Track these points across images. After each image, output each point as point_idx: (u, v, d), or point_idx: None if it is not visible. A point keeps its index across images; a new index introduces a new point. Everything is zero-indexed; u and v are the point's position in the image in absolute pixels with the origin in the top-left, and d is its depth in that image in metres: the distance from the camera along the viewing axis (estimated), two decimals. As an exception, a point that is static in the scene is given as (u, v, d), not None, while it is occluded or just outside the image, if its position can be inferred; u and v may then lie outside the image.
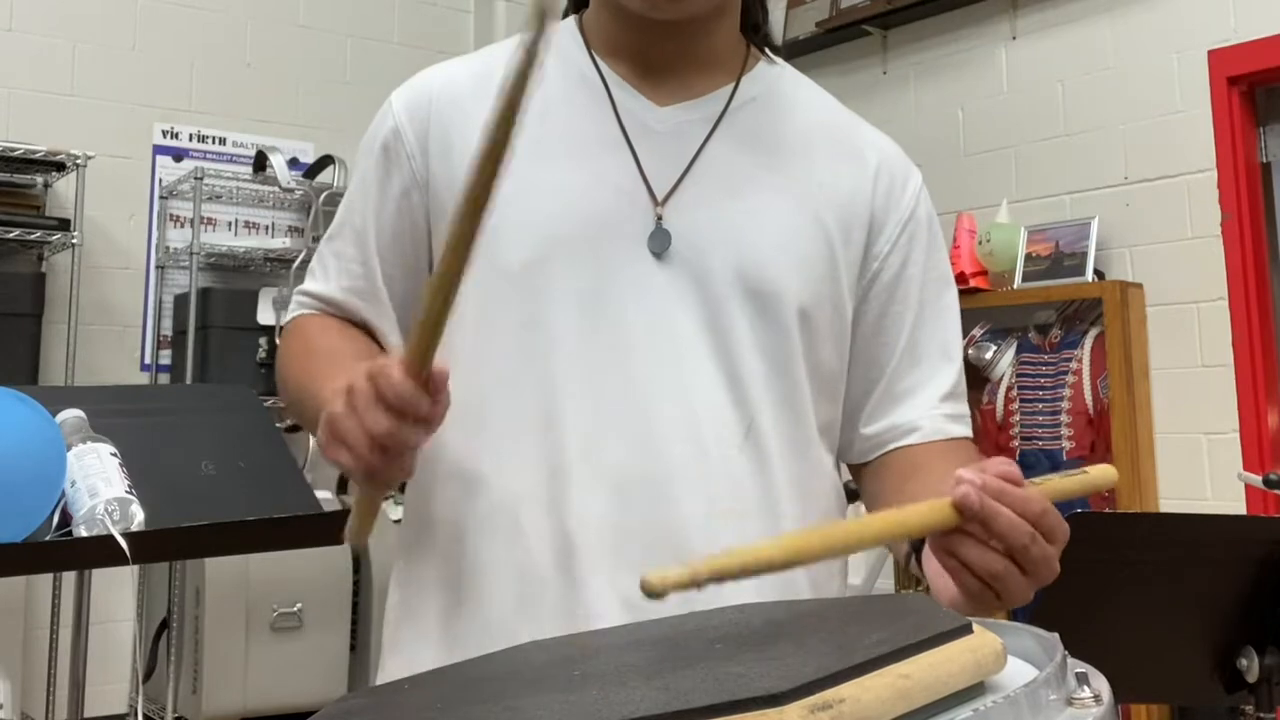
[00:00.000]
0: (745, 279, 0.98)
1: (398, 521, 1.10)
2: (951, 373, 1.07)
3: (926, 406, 1.04)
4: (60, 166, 3.53)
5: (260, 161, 3.91)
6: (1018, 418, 3.44)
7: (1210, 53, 3.24)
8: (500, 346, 0.98)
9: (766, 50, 1.12)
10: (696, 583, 0.63)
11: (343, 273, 1.08)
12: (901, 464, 1.04)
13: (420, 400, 0.78)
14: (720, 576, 0.64)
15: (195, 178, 3.71)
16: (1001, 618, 0.68)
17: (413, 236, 1.05)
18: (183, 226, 3.92)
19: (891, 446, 1.05)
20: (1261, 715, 1.56)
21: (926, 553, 0.82)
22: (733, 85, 1.06)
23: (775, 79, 1.10)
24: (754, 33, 1.11)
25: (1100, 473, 0.80)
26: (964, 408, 1.07)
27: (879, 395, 1.06)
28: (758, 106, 1.06)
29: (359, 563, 3.62)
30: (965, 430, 1.06)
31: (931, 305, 1.07)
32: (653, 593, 0.62)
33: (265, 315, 3.70)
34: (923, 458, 1.03)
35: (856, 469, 1.09)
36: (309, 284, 1.11)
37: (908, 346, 1.06)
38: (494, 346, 0.98)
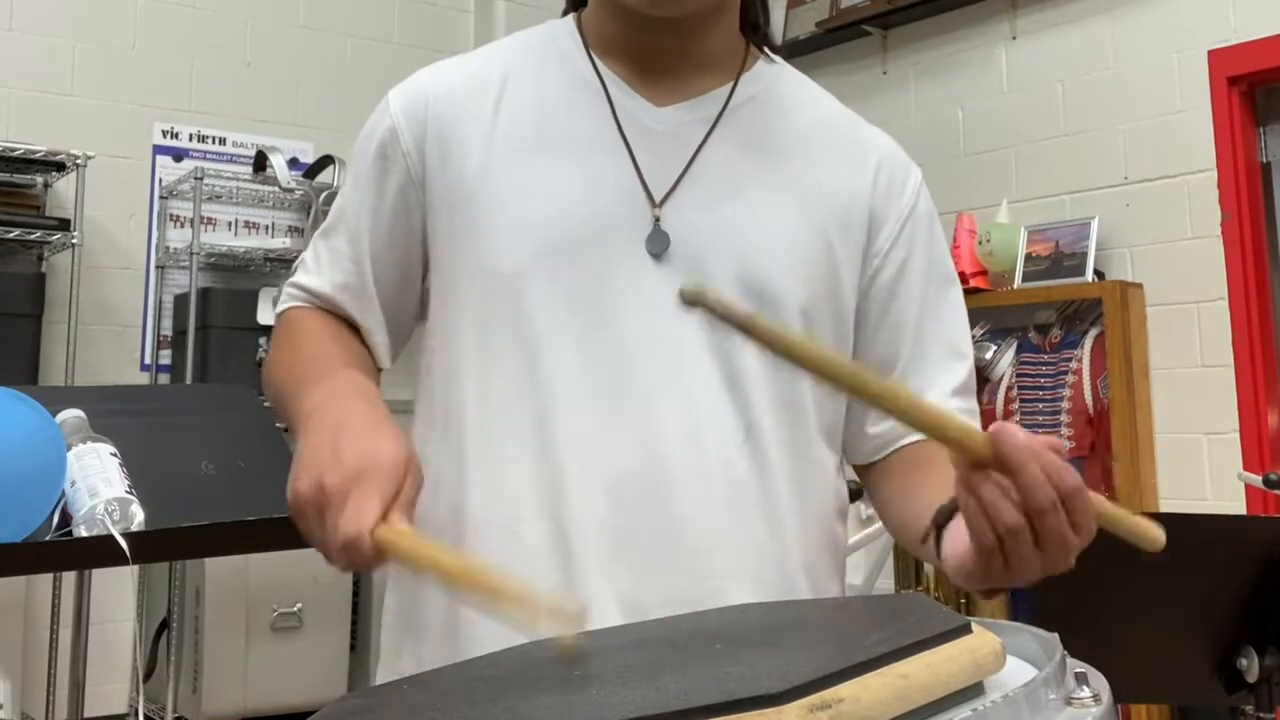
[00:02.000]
0: (745, 280, 0.98)
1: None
2: (961, 369, 1.06)
3: (938, 403, 1.04)
4: (60, 166, 3.53)
5: (260, 161, 3.91)
6: (1018, 418, 3.44)
7: (1210, 53, 3.24)
8: (498, 348, 0.98)
9: (765, 49, 1.12)
10: (726, 312, 0.63)
11: (335, 268, 1.07)
12: (910, 462, 1.03)
13: (381, 565, 0.78)
14: (751, 328, 0.64)
15: (195, 178, 3.71)
16: (1001, 616, 0.68)
17: (408, 235, 1.05)
18: (183, 226, 3.92)
19: (900, 444, 1.05)
20: (1261, 715, 1.56)
21: (949, 530, 0.82)
22: (731, 85, 1.06)
23: (774, 78, 1.09)
24: (753, 32, 1.11)
25: (1150, 530, 0.77)
26: (973, 403, 1.07)
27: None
28: (756, 106, 1.06)
29: (359, 563, 3.61)
30: (976, 426, 1.06)
31: (935, 302, 1.07)
32: (689, 300, 0.62)
33: (265, 315, 3.70)
34: (931, 455, 1.02)
35: (864, 469, 1.09)
36: (300, 276, 1.10)
37: (913, 344, 1.05)
38: (492, 348, 0.98)
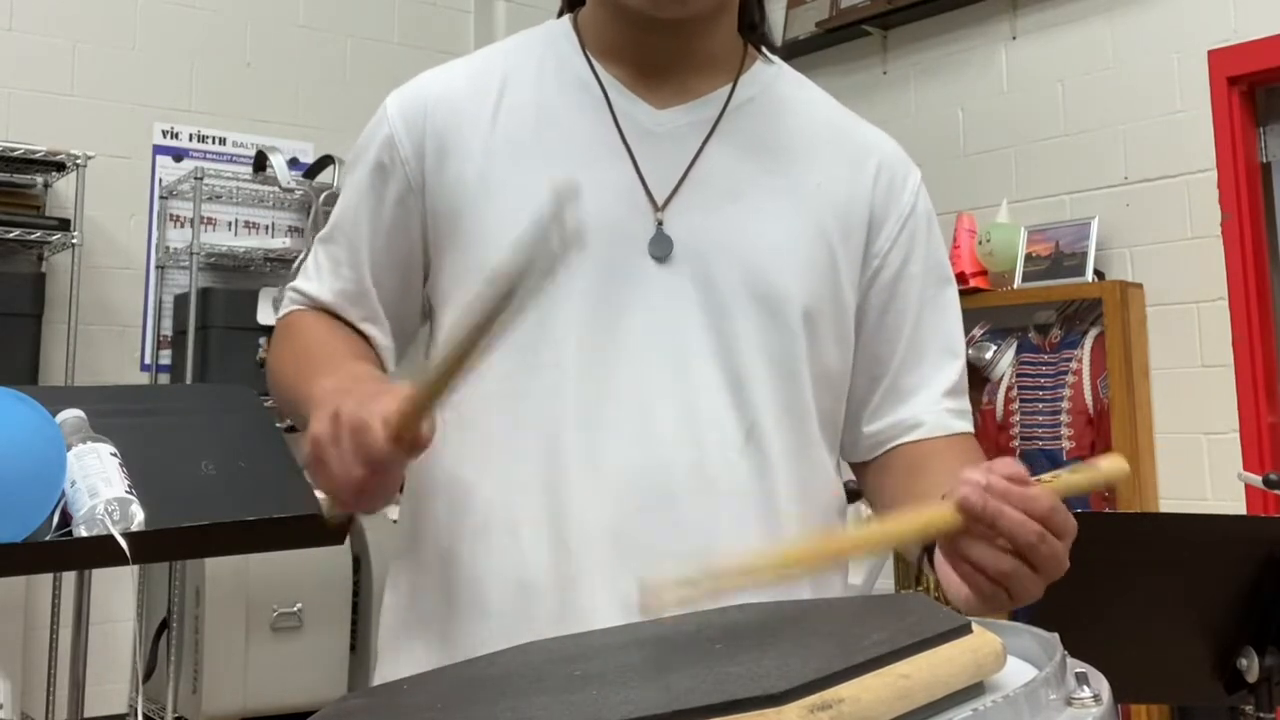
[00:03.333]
0: (750, 283, 0.98)
1: (396, 522, 1.10)
2: (954, 369, 1.07)
3: (930, 402, 1.04)
4: (60, 166, 3.53)
5: (260, 161, 3.91)
6: (1018, 418, 3.44)
7: (1210, 53, 3.24)
8: (501, 352, 0.98)
9: (764, 50, 1.12)
10: (694, 598, 0.63)
11: (334, 275, 1.07)
12: (905, 460, 1.04)
13: (398, 462, 0.80)
14: (718, 589, 0.65)
15: (195, 178, 3.71)
16: (1002, 617, 0.68)
17: (407, 241, 1.05)
18: (183, 226, 3.92)
19: (895, 443, 1.05)
20: (1261, 715, 1.56)
21: (939, 556, 0.82)
22: (730, 86, 1.06)
23: (773, 79, 1.09)
24: (751, 32, 1.11)
25: (1110, 465, 0.80)
26: (966, 403, 1.07)
27: (882, 393, 1.06)
28: (755, 107, 1.06)
29: (359, 563, 3.62)
30: (968, 425, 1.06)
31: (933, 302, 1.07)
32: (650, 610, 0.62)
33: (265, 315, 3.70)
34: (927, 454, 1.03)
35: (860, 467, 1.09)
36: (301, 282, 1.11)
37: (910, 343, 1.06)
38: (494, 352, 0.98)
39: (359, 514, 0.85)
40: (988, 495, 0.74)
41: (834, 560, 0.73)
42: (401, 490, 1.04)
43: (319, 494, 0.86)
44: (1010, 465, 0.76)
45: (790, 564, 0.70)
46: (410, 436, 0.79)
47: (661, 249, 0.98)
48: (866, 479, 1.09)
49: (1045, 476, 0.78)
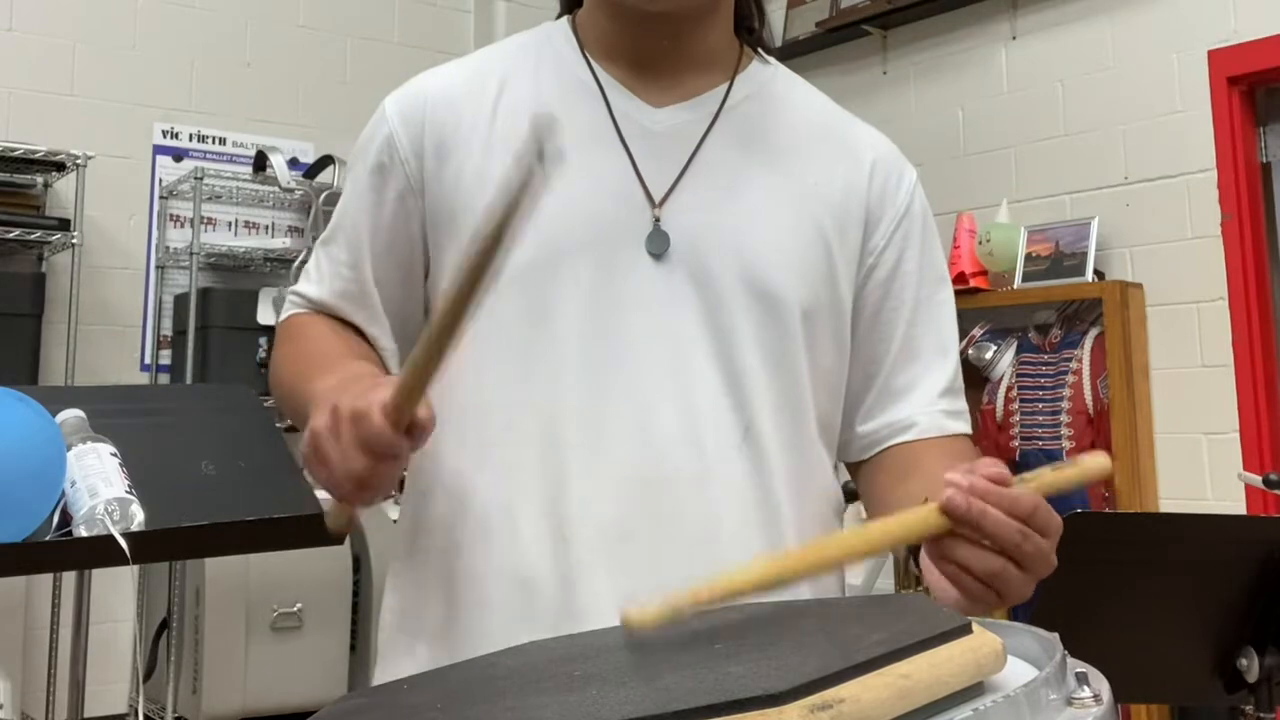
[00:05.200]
0: (748, 280, 0.98)
1: (396, 521, 1.10)
2: (948, 369, 1.07)
3: (924, 403, 1.04)
4: (60, 166, 3.53)
5: (260, 161, 3.90)
6: (1018, 418, 3.44)
7: (1210, 53, 3.24)
8: (499, 351, 0.98)
9: (760, 51, 1.12)
10: (679, 618, 0.64)
11: (335, 277, 1.08)
12: (899, 461, 1.04)
13: (398, 448, 0.79)
14: (702, 607, 0.65)
15: (195, 178, 3.71)
16: (1001, 617, 0.68)
17: (408, 242, 1.05)
18: (183, 226, 3.92)
19: (889, 443, 1.05)
20: (1261, 715, 1.56)
21: (924, 557, 0.82)
22: (727, 85, 1.06)
23: (769, 78, 1.10)
24: (748, 34, 1.11)
25: (1092, 462, 0.80)
26: (961, 404, 1.07)
27: (876, 392, 1.06)
28: (752, 106, 1.06)
29: (359, 563, 3.62)
30: (963, 426, 1.06)
31: (927, 301, 1.07)
32: (633, 629, 0.63)
33: (265, 315, 3.70)
34: (920, 454, 1.03)
35: (854, 466, 1.09)
36: (302, 285, 1.11)
37: (904, 343, 1.06)
38: (493, 351, 0.98)
39: (359, 507, 0.84)
40: (971, 497, 0.74)
41: (821, 571, 0.73)
42: (401, 490, 1.04)
43: (320, 495, 0.86)
44: (992, 466, 0.76)
45: (775, 580, 0.70)
46: (410, 420, 0.79)
47: (658, 246, 0.98)
48: (861, 479, 1.09)
49: (1027, 475, 0.78)
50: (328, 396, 0.84)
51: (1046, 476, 0.78)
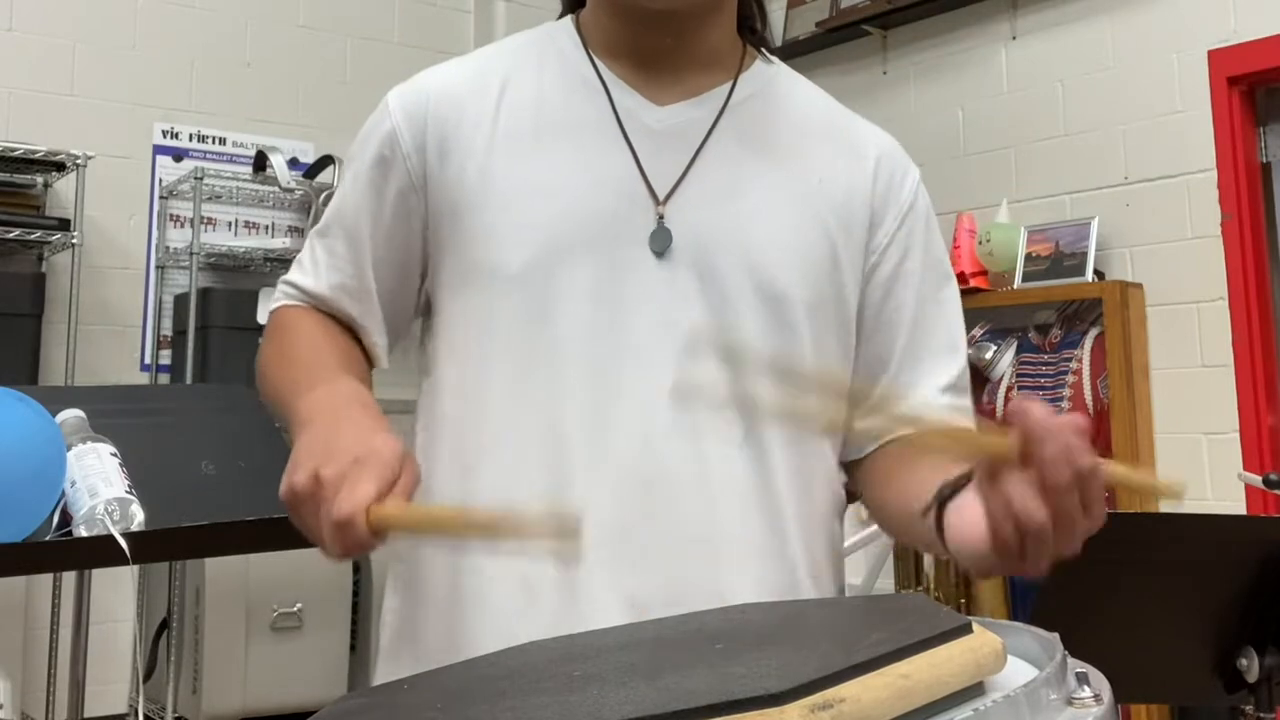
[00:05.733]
0: (752, 278, 0.98)
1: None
2: (954, 365, 1.06)
3: (928, 399, 1.04)
4: (60, 166, 3.53)
5: (260, 161, 3.90)
6: (1018, 418, 3.43)
7: (1210, 53, 3.24)
8: (502, 349, 0.98)
9: (763, 50, 1.12)
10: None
11: (333, 270, 1.07)
12: (898, 456, 1.03)
13: (376, 545, 0.78)
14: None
15: (195, 178, 3.71)
16: (1001, 617, 0.68)
17: (407, 237, 1.05)
18: (183, 226, 3.92)
19: (887, 439, 1.05)
20: (1261, 715, 1.56)
21: (951, 509, 0.81)
22: (731, 83, 1.06)
23: (772, 77, 1.10)
24: (750, 33, 1.11)
25: (1169, 481, 0.76)
26: (966, 401, 1.07)
27: (881, 389, 1.06)
28: (756, 104, 1.06)
29: (359, 563, 3.62)
30: (968, 423, 1.06)
31: (931, 298, 1.07)
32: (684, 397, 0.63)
33: (265, 315, 3.68)
34: (919, 449, 1.02)
35: (853, 464, 1.09)
36: (295, 275, 1.10)
37: (908, 340, 1.06)
38: (496, 349, 0.98)
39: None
40: (1041, 423, 0.72)
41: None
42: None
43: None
44: (1077, 419, 0.74)
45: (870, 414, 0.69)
46: (387, 533, 0.78)
47: (661, 243, 0.98)
48: (859, 476, 1.08)
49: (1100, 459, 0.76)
50: (313, 434, 0.83)
51: (1118, 466, 0.77)
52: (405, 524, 0.78)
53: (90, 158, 3.49)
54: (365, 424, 0.86)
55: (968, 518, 0.79)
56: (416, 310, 1.09)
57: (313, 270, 1.09)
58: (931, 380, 1.05)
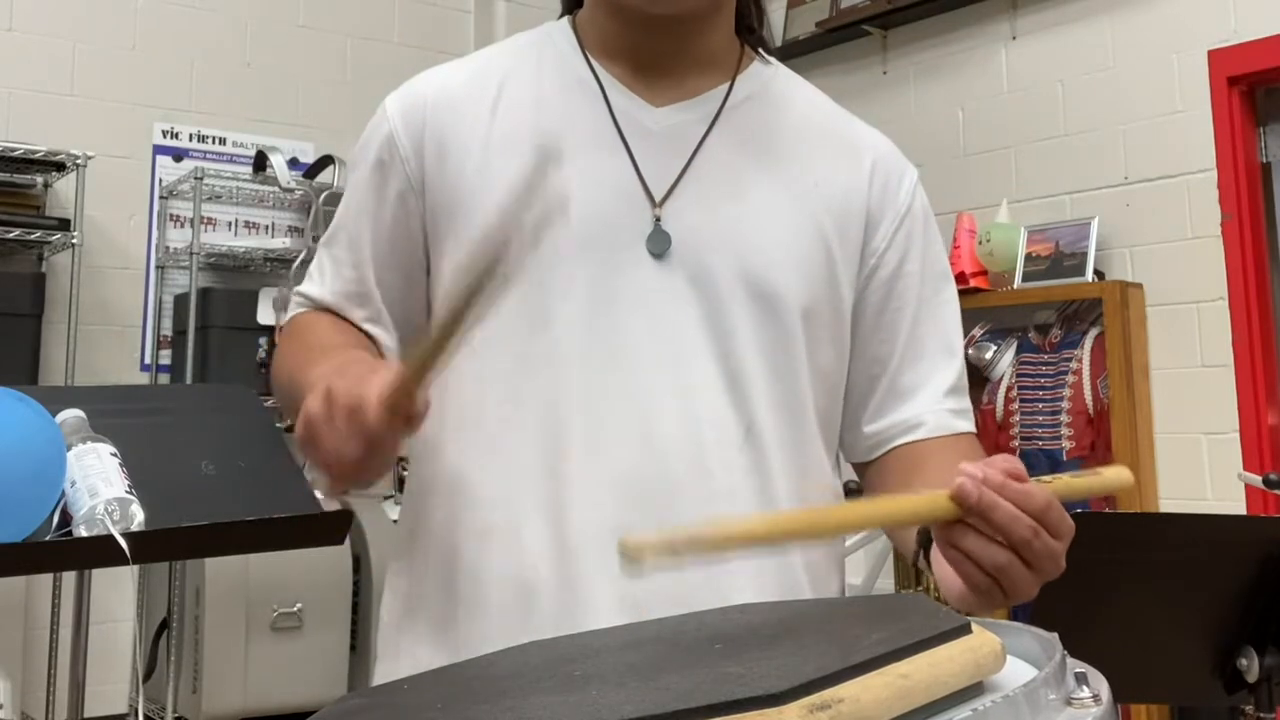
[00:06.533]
0: (749, 281, 0.98)
1: (396, 522, 1.10)
2: (954, 368, 1.07)
3: (930, 402, 1.04)
4: (60, 166, 3.53)
5: (260, 161, 3.90)
6: (1018, 418, 3.44)
7: (1210, 53, 3.24)
8: (500, 350, 0.98)
9: (761, 51, 1.12)
10: (674, 553, 0.63)
11: (337, 277, 1.08)
12: (906, 460, 1.04)
13: (393, 439, 0.80)
14: (700, 549, 0.65)
15: (195, 178, 3.71)
16: (1001, 617, 0.68)
17: (408, 240, 1.05)
18: (183, 226, 3.91)
19: (896, 443, 1.05)
20: (1261, 715, 1.56)
21: (936, 551, 0.82)
22: (728, 84, 1.06)
23: (769, 79, 1.10)
24: (748, 34, 1.11)
25: (1114, 474, 0.80)
26: (967, 402, 1.07)
27: (882, 392, 1.06)
28: (753, 105, 1.06)
29: (359, 563, 3.62)
30: (969, 425, 1.06)
31: (931, 300, 1.07)
32: (629, 557, 0.62)
33: (265, 315, 3.70)
34: (928, 453, 1.03)
35: (860, 467, 1.09)
36: (306, 286, 1.12)
37: (909, 342, 1.06)
38: (493, 350, 0.98)
39: (353, 490, 0.85)
40: (983, 487, 0.74)
41: (821, 534, 0.73)
42: (401, 490, 1.05)
43: (311, 473, 0.86)
44: (1009, 461, 0.76)
45: (775, 533, 0.70)
46: (405, 411, 0.79)
47: (659, 245, 0.98)
48: (868, 479, 1.09)
49: (1046, 478, 0.78)
50: (323, 379, 0.84)
51: (1065, 480, 0.78)
52: (411, 376, 0.78)
53: (90, 158, 3.49)
54: (373, 362, 0.89)
55: (946, 566, 0.80)
56: (425, 313, 1.10)
57: (319, 280, 1.10)
58: (933, 383, 1.05)
